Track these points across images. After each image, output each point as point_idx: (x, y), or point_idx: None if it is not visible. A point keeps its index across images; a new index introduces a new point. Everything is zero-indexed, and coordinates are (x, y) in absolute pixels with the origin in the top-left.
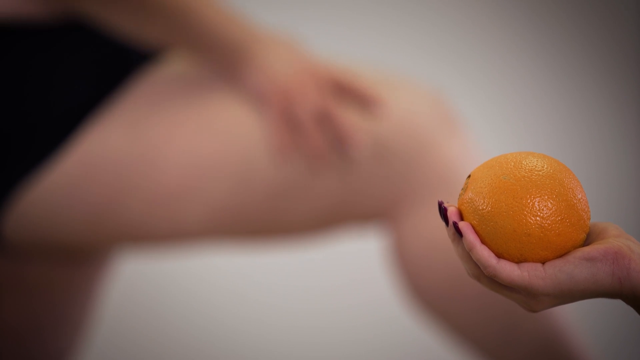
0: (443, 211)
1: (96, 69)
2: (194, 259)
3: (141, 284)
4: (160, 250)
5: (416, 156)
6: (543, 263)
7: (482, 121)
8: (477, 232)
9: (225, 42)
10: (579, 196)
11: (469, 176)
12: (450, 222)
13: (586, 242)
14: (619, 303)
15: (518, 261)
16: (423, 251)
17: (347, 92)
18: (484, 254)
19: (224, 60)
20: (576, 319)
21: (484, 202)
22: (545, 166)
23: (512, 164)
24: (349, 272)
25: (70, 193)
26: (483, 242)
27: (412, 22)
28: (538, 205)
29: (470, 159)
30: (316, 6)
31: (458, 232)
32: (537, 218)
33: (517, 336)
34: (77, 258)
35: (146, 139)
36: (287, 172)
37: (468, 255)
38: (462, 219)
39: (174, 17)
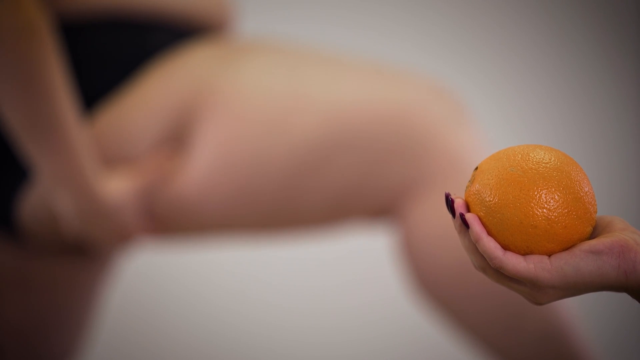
0: (450, 203)
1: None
2: (199, 257)
3: (144, 283)
4: (174, 243)
5: (422, 146)
6: (549, 255)
7: (489, 114)
8: (483, 224)
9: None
10: (586, 189)
11: (476, 168)
12: (457, 214)
13: (592, 235)
14: (622, 297)
15: (524, 253)
16: (430, 242)
17: None
18: (491, 245)
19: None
20: (580, 312)
21: (491, 193)
22: (553, 159)
23: (520, 156)
24: (357, 269)
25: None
26: (489, 233)
27: (421, 17)
28: (545, 197)
29: (477, 149)
30: (328, 2)
31: (465, 224)
32: (544, 210)
33: (522, 326)
34: (80, 253)
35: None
36: (299, 161)
37: (474, 247)
38: (469, 210)
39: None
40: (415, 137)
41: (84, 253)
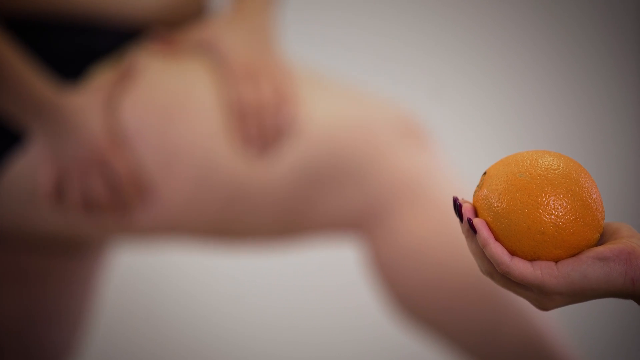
0: (458, 207)
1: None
2: (181, 257)
3: (135, 281)
4: (131, 243)
5: (372, 166)
6: (556, 261)
7: (486, 117)
8: (491, 229)
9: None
10: (594, 196)
11: (485, 173)
12: (465, 219)
13: (599, 241)
14: (618, 305)
15: (531, 259)
16: (398, 260)
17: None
18: (498, 251)
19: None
20: (572, 317)
21: (499, 199)
22: (562, 165)
23: (528, 162)
24: (336, 279)
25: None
26: (497, 239)
27: (415, 19)
28: (553, 203)
29: (436, 171)
30: (294, 19)
31: (472, 229)
32: (552, 216)
33: (500, 336)
34: (68, 249)
35: (119, 118)
36: (243, 174)
37: (481, 252)
38: (476, 215)
39: None
40: (363, 161)
41: (64, 248)
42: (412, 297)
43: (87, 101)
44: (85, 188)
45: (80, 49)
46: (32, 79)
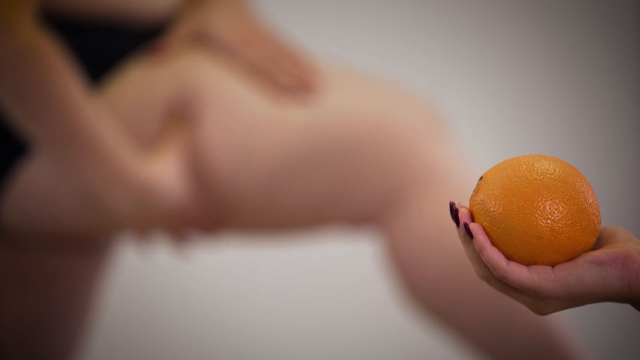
0: (454, 212)
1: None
2: (200, 256)
3: (139, 281)
4: (151, 241)
5: (398, 157)
6: (553, 266)
7: (477, 128)
8: (487, 234)
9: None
10: (590, 200)
11: (481, 178)
12: (461, 223)
13: (596, 246)
14: (619, 307)
15: (528, 263)
16: (415, 251)
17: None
18: (494, 255)
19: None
20: (572, 318)
21: (495, 204)
22: (558, 169)
23: (525, 166)
24: (348, 274)
25: (60, 175)
26: (493, 243)
27: (409, 25)
28: (549, 208)
29: (455, 160)
30: (310, 13)
31: (469, 234)
32: (548, 221)
33: (512, 331)
34: (76, 248)
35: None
36: (280, 163)
37: (478, 257)
38: (473, 220)
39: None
40: (391, 148)
41: (73, 246)
42: (426, 287)
43: (166, 169)
44: (174, 238)
45: (102, 49)
46: (122, 153)
